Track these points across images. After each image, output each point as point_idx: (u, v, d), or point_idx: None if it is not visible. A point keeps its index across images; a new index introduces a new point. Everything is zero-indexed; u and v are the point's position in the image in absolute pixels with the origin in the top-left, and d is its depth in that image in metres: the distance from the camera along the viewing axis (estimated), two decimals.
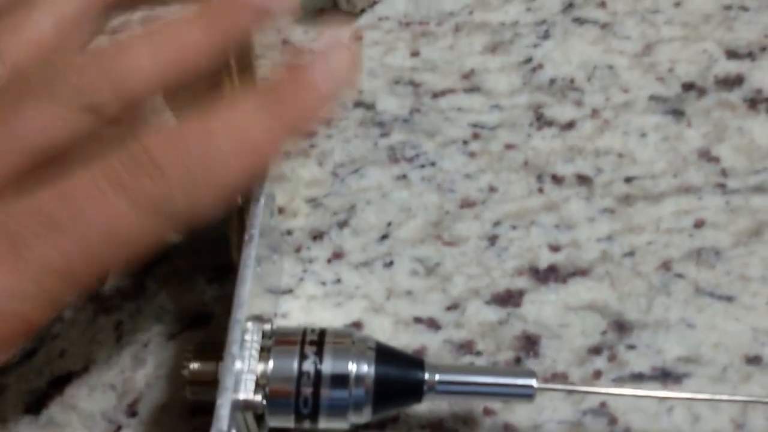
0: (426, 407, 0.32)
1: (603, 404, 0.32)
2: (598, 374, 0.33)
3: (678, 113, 0.42)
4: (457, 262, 0.37)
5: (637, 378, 0.33)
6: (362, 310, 0.35)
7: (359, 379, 0.28)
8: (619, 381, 0.33)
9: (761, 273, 0.36)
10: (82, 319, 0.36)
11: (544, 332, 0.34)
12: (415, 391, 0.29)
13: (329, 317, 0.35)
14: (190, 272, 0.37)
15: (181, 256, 0.37)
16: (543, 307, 0.35)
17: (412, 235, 0.38)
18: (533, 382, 0.29)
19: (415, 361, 0.30)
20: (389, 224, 0.38)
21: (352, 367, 0.28)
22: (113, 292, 0.36)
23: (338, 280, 0.36)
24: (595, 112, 0.42)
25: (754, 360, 0.33)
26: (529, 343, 0.34)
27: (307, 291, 0.36)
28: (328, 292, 0.36)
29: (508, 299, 0.35)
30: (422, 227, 0.38)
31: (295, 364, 0.28)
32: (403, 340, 0.34)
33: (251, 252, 0.28)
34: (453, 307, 0.35)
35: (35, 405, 0.33)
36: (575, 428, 0.32)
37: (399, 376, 0.29)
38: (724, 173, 0.39)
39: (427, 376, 0.29)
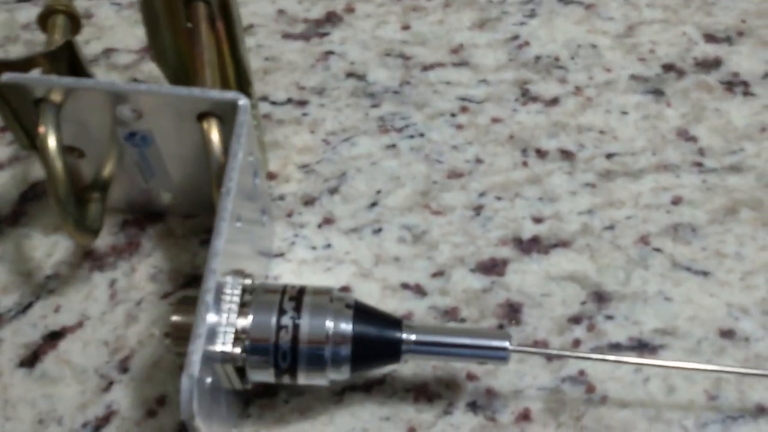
0: (410, 371, 0.30)
1: (581, 372, 0.30)
2: (577, 343, 0.31)
3: (658, 93, 0.39)
4: (444, 230, 0.34)
5: (615, 348, 0.31)
6: (351, 275, 0.33)
7: (337, 335, 0.26)
8: (597, 350, 0.31)
9: (735, 250, 0.33)
10: (77, 276, 0.33)
11: (527, 301, 0.32)
12: (393, 350, 0.27)
13: (319, 281, 0.33)
14: (185, 234, 0.34)
15: (175, 217, 0.34)
16: (526, 276, 0.33)
17: (400, 203, 0.35)
18: (507, 344, 0.27)
19: (392, 321, 0.27)
20: (378, 192, 0.35)
21: (330, 324, 0.26)
22: (108, 250, 0.34)
23: (328, 245, 0.34)
24: (578, 90, 0.39)
25: (727, 334, 0.31)
26: (512, 311, 0.32)
27: (298, 255, 0.33)
28: (318, 256, 0.33)
29: (492, 268, 0.33)
30: (410, 196, 0.35)
31: (274, 319, 0.25)
32: (390, 305, 0.32)
33: (227, 205, 0.25)
34: (439, 274, 0.33)
35: (30, 359, 0.31)
36: (554, 394, 0.29)
37: (376, 335, 0.27)
38: (701, 152, 0.37)
39: (404, 335, 0.27)
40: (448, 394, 0.29)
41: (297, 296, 0.26)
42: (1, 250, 0.34)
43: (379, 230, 0.34)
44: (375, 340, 0.27)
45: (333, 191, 0.35)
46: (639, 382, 0.30)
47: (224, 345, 0.25)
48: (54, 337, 0.31)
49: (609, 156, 0.37)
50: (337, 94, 0.39)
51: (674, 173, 0.36)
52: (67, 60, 0.31)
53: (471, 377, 0.30)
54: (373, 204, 0.35)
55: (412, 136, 0.37)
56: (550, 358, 0.30)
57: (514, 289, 0.32)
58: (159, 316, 0.32)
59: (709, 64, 0.40)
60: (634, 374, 0.30)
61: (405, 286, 0.32)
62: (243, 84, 0.33)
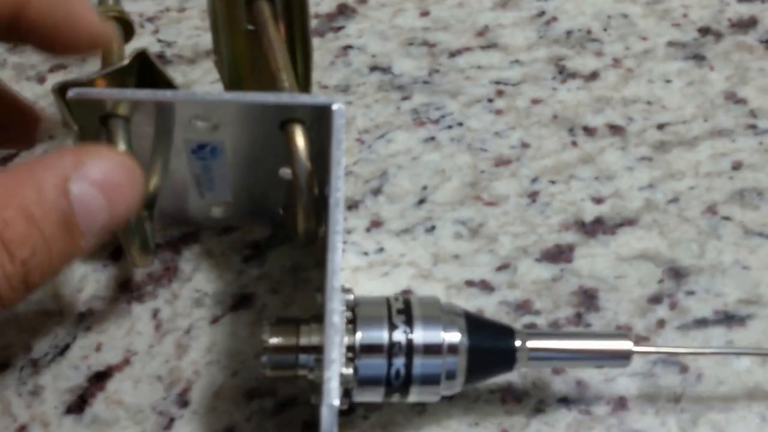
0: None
1: (671, 352, 0.31)
2: (661, 323, 0.32)
3: (699, 58, 0.40)
4: (501, 221, 0.35)
5: (701, 323, 0.31)
6: (410, 278, 0.33)
7: (452, 348, 0.26)
8: (683, 328, 0.31)
9: None
10: (115, 310, 0.33)
11: (601, 285, 0.33)
12: (508, 359, 0.27)
13: (377, 287, 0.33)
14: (224, 252, 0.34)
15: (210, 235, 0.35)
16: (595, 260, 0.33)
17: (449, 197, 0.36)
18: (630, 346, 0.27)
19: (505, 329, 0.28)
20: (424, 188, 0.36)
21: (445, 336, 0.26)
22: (144, 278, 0.33)
23: (381, 249, 0.34)
24: (616, 62, 0.40)
25: None
26: (587, 298, 0.32)
27: (351, 262, 0.34)
28: (372, 262, 0.34)
29: (559, 255, 0.34)
30: (459, 189, 0.36)
31: (386, 334, 0.26)
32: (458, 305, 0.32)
33: (338, 217, 0.25)
34: (503, 267, 0.33)
35: (77, 404, 0.30)
36: (647, 379, 0.30)
37: (491, 345, 0.27)
38: (752, 114, 0.38)
39: (518, 343, 0.27)
40: (536, 392, 0.30)
41: (404, 308, 0.27)
42: None
43: (432, 228, 0.35)
44: (490, 351, 0.27)
45: (376, 192, 0.36)
46: (731, 356, 0.31)
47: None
48: (100, 377, 0.31)
49: (660, 127, 0.38)
50: (364, 90, 0.39)
51: (729, 138, 0.37)
52: (137, 72, 0.31)
53: (557, 371, 0.30)
54: (421, 201, 0.35)
55: (450, 127, 0.38)
56: (640, 339, 0.31)
57: (586, 274, 0.33)
58: (213, 343, 0.32)
59: (745, 24, 0.42)
60: (725, 347, 0.31)
61: (470, 283, 0.33)
62: (307, 87, 0.33)
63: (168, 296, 0.33)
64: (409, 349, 0.26)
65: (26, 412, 0.30)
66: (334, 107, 0.27)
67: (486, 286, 0.33)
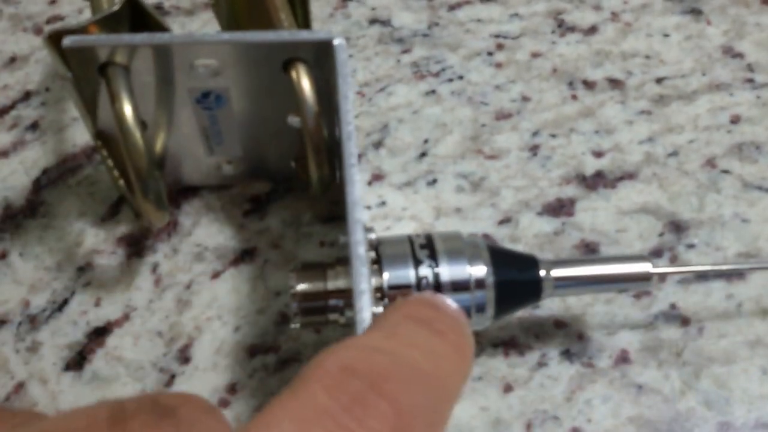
0: (500, 325, 0.28)
1: (673, 306, 0.29)
2: (662, 276, 0.30)
3: (696, 12, 0.38)
4: (502, 174, 0.32)
5: (702, 277, 0.29)
6: (413, 231, 0.31)
7: (479, 281, 0.24)
8: (684, 282, 0.29)
9: None
10: (114, 264, 0.30)
11: (602, 239, 0.30)
12: (535, 289, 0.25)
13: None
14: (224, 206, 0.31)
15: (210, 190, 0.32)
16: (596, 213, 0.31)
17: (451, 150, 0.33)
18: (650, 266, 0.25)
19: (529, 259, 0.26)
20: (426, 141, 0.33)
21: (470, 269, 0.24)
22: (143, 233, 0.31)
23: (383, 203, 0.31)
24: (615, 16, 0.37)
25: None
26: (589, 251, 0.30)
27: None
28: (375, 215, 0.31)
29: (560, 209, 0.31)
30: (460, 142, 0.33)
31: (412, 271, 0.23)
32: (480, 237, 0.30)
33: (352, 149, 0.23)
34: (506, 221, 0.31)
35: (76, 360, 0.28)
36: (649, 332, 0.28)
37: (517, 276, 0.25)
38: (750, 68, 0.36)
39: (543, 272, 0.25)
40: (539, 345, 0.28)
41: (427, 243, 0.24)
42: (22, 244, 0.31)
43: (434, 181, 0.32)
44: (517, 282, 0.25)
45: (377, 145, 0.33)
46: (732, 309, 0.29)
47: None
48: (100, 333, 0.29)
49: (659, 80, 0.35)
50: (364, 43, 0.36)
51: (727, 92, 0.35)
52: (130, 18, 0.28)
53: (559, 324, 0.28)
54: (423, 154, 0.33)
55: (450, 80, 0.35)
56: (639, 294, 0.29)
57: (587, 228, 0.31)
58: (213, 298, 0.29)
59: None
60: (727, 301, 0.29)
61: (473, 236, 0.31)
62: (308, 27, 0.30)
63: (167, 251, 0.30)
64: (437, 283, 0.24)
65: (24, 369, 0.28)
66: (336, 42, 0.25)
67: (489, 239, 0.31)
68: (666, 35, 0.37)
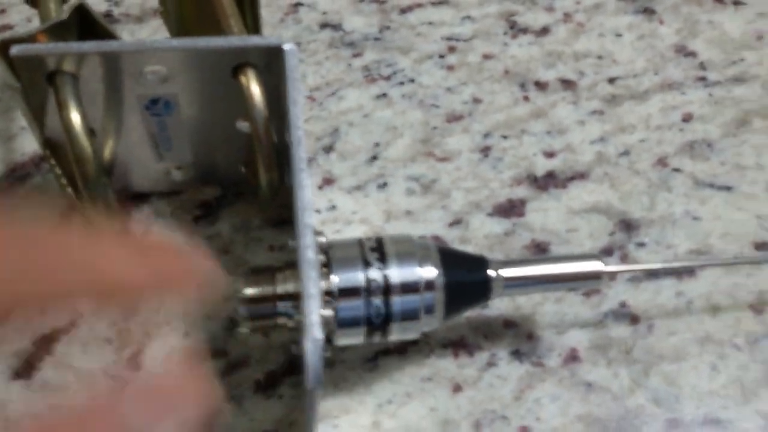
0: (448, 326, 0.29)
1: (623, 304, 0.29)
2: (613, 275, 0.30)
3: (649, 11, 0.39)
4: (453, 177, 0.33)
5: (652, 275, 0.30)
6: (363, 235, 0.31)
7: (429, 283, 0.25)
8: (635, 279, 0.30)
9: (755, 161, 0.33)
10: None
11: (553, 239, 0.31)
12: (484, 289, 0.26)
13: None
14: (174, 212, 0.32)
15: (160, 196, 0.32)
16: (547, 214, 0.32)
17: (402, 154, 0.34)
18: (600, 265, 0.26)
19: (478, 260, 0.26)
20: (377, 145, 0.34)
21: (420, 271, 0.25)
22: None
23: (333, 207, 0.32)
24: (567, 16, 0.38)
25: (763, 246, 0.31)
26: (540, 251, 0.31)
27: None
28: (324, 219, 0.32)
29: (511, 209, 0.32)
30: (411, 145, 0.34)
31: (361, 274, 0.24)
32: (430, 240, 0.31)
33: (302, 154, 0.24)
34: (456, 222, 0.32)
35: (25, 368, 0.28)
36: (598, 330, 0.29)
37: (467, 276, 0.25)
38: (702, 66, 0.37)
39: (493, 273, 0.26)
40: (488, 345, 0.28)
41: (377, 246, 0.25)
42: None
43: (385, 185, 0.33)
44: (466, 283, 0.26)
45: (328, 149, 0.34)
46: (682, 306, 0.29)
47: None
48: (47, 340, 0.29)
49: (611, 80, 0.36)
50: (315, 47, 0.37)
51: (680, 90, 0.36)
52: (78, 26, 0.28)
53: (509, 324, 0.29)
54: (373, 158, 0.33)
55: (402, 83, 0.36)
56: (589, 293, 0.30)
57: (538, 228, 0.31)
58: (162, 304, 0.29)
59: None
60: (677, 299, 0.29)
61: (422, 239, 0.31)
62: (258, 32, 0.31)
63: None
64: (387, 287, 0.24)
65: None
66: (286, 47, 0.25)
67: (438, 242, 0.31)
68: (618, 35, 0.38)
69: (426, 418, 0.27)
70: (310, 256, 0.22)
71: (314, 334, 0.21)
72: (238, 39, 0.26)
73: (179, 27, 0.32)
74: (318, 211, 0.32)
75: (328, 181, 0.33)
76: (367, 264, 0.24)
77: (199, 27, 0.31)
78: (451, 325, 0.29)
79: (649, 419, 0.27)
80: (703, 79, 0.36)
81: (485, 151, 0.34)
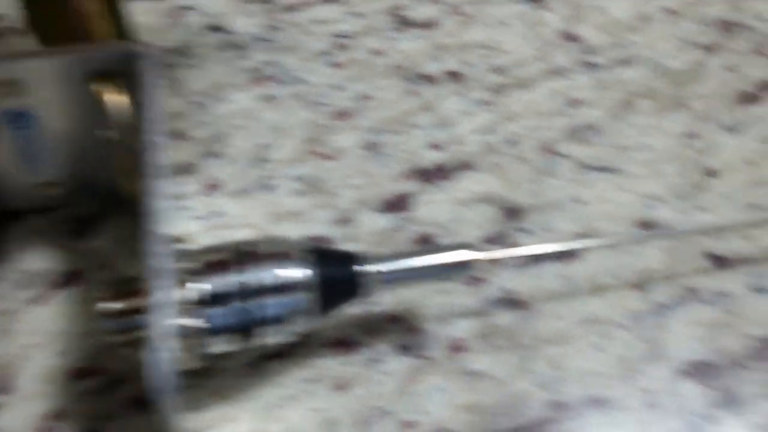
0: (326, 325, 0.29)
1: (508, 291, 0.29)
2: (497, 262, 0.30)
3: (535, 0, 0.39)
4: (340, 174, 0.33)
5: (538, 260, 0.30)
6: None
7: (302, 283, 0.25)
8: (521, 266, 0.30)
9: (639, 141, 0.34)
10: None
11: (440, 231, 0.31)
12: (360, 285, 0.26)
13: None
14: (51, 228, 0.31)
15: (35, 213, 0.32)
16: (434, 206, 0.32)
17: (288, 154, 0.33)
18: (474, 253, 0.26)
19: (352, 256, 0.26)
20: (263, 147, 0.34)
21: (293, 271, 0.24)
22: None
23: (217, 212, 0.32)
24: (454, 8, 0.39)
25: (647, 225, 0.31)
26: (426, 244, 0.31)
27: (187, 228, 0.31)
28: (208, 226, 0.31)
29: (398, 204, 0.32)
30: (298, 145, 0.34)
31: (233, 278, 0.24)
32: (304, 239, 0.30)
33: (155, 160, 0.23)
34: (342, 221, 0.31)
35: None
36: (484, 319, 0.29)
37: (342, 274, 0.25)
38: (589, 51, 0.37)
39: (368, 268, 0.26)
40: (372, 341, 0.28)
41: (248, 250, 0.25)
42: None
43: (271, 187, 0.32)
44: (341, 280, 0.26)
45: (213, 154, 0.33)
46: (567, 289, 0.30)
47: (181, 317, 0.23)
48: None
49: (498, 70, 0.36)
50: (201, 51, 0.37)
51: (565, 76, 0.36)
52: None
53: (393, 319, 0.29)
54: (260, 160, 0.33)
55: (289, 83, 0.36)
56: (474, 281, 0.30)
57: (425, 221, 0.31)
58: (38, 324, 0.29)
59: None
60: (562, 282, 0.30)
61: (309, 239, 0.31)
62: (126, 38, 0.30)
63: None
64: (259, 290, 0.24)
65: None
66: (140, 52, 0.25)
67: (326, 241, 0.31)
68: (506, 24, 0.38)
69: (308, 419, 0.26)
70: (156, 265, 0.22)
71: (155, 345, 0.20)
72: (93, 47, 0.26)
73: (43, 37, 0.31)
74: (200, 218, 0.31)
75: (212, 187, 0.32)
76: (238, 268, 0.24)
77: (61, 36, 0.30)
78: (334, 323, 0.29)
79: (534, 403, 0.27)
80: (589, 63, 0.36)
81: (373, 147, 0.34)
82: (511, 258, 0.30)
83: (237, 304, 0.24)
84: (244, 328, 0.24)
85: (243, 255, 0.24)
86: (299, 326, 0.25)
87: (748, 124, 0.34)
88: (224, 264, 0.24)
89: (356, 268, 0.26)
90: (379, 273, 0.25)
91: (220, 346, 0.25)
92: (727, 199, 0.32)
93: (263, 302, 0.24)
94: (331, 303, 0.26)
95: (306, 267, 0.25)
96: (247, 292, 0.24)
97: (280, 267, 0.24)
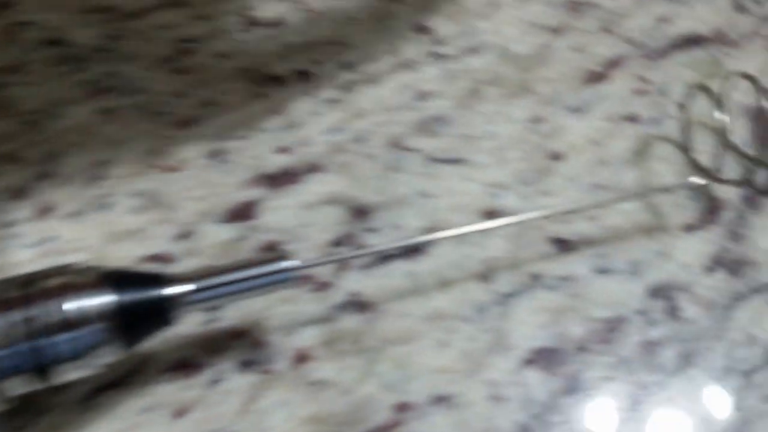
0: (168, 348, 0.28)
1: (354, 293, 0.29)
2: (344, 265, 0.30)
3: None
4: (182, 186, 0.32)
5: (385, 259, 0.30)
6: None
7: (98, 311, 0.23)
8: (367, 267, 0.30)
9: (485, 129, 0.34)
10: None
11: (286, 237, 0.30)
12: (170, 307, 0.24)
13: None
14: None
15: None
16: (281, 212, 0.31)
17: (127, 170, 0.32)
18: (291, 263, 0.25)
19: (160, 277, 0.25)
20: (100, 164, 0.32)
21: (86, 301, 0.23)
22: None
23: (50, 238, 0.30)
24: (301, 3, 0.38)
25: (490, 214, 0.31)
26: (272, 252, 0.30)
27: (12, 258, 0.30)
28: (40, 253, 0.30)
29: (243, 213, 0.31)
30: (138, 159, 0.32)
31: (17, 315, 0.22)
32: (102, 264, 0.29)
33: None
34: (184, 235, 0.30)
35: None
36: (329, 325, 0.28)
37: (145, 297, 0.24)
38: (437, 42, 0.37)
39: (179, 288, 0.24)
40: (214, 361, 0.27)
41: (31, 281, 0.23)
42: None
43: (108, 205, 0.31)
44: (146, 304, 0.24)
45: (46, 176, 0.32)
46: (413, 286, 0.29)
47: None
48: None
49: (347, 66, 0.36)
50: (37, 68, 0.35)
51: (413, 69, 0.36)
52: None
53: (235, 335, 0.28)
54: (96, 178, 0.32)
55: (130, 94, 0.34)
56: (320, 287, 0.29)
57: (271, 228, 0.31)
58: None
59: None
60: (407, 279, 0.29)
61: (149, 258, 0.30)
62: None
63: None
64: (48, 326, 0.22)
65: None
66: None
67: (166, 259, 0.30)
68: (352, 18, 0.37)
69: None
70: None
71: None
72: None
73: None
74: (31, 246, 0.30)
75: (46, 211, 0.31)
76: (22, 304, 0.23)
77: None
78: (174, 344, 0.28)
79: (378, 407, 0.27)
80: (437, 54, 0.36)
81: (217, 154, 0.33)
82: (352, 259, 0.29)
83: (23, 345, 0.22)
84: (37, 368, 0.23)
85: (30, 289, 0.23)
86: (105, 359, 0.24)
87: (593, 104, 0.35)
88: (7, 302, 0.23)
89: (162, 291, 0.24)
90: (190, 293, 0.24)
91: (16, 388, 0.23)
92: (571, 181, 0.32)
93: (53, 340, 0.22)
94: (137, 331, 0.24)
95: (103, 295, 0.23)
96: (34, 330, 0.22)
97: (72, 299, 0.23)
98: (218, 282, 0.25)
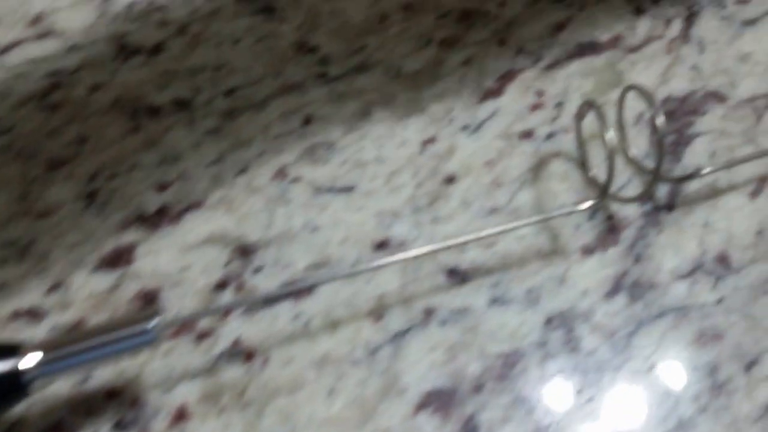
0: (38, 411, 0.26)
1: (237, 341, 0.27)
2: (228, 311, 0.28)
3: (268, 10, 0.37)
4: (54, 233, 0.30)
5: (271, 301, 0.29)
6: None
7: None
8: (251, 311, 0.28)
9: (375, 154, 0.32)
10: None
11: (164, 282, 0.29)
12: (15, 382, 0.23)
13: None
14: None
15: None
16: (158, 256, 0.29)
17: None
18: (154, 322, 0.24)
19: (4, 347, 0.23)
20: None
21: None
22: None
23: None
24: (182, 29, 0.36)
25: (382, 245, 0.30)
26: (148, 301, 0.28)
27: None
28: None
29: (118, 259, 0.29)
30: (6, 206, 0.30)
31: None
32: None
33: None
34: (55, 287, 0.29)
35: None
36: (210, 377, 0.27)
37: None
38: (324, 61, 0.35)
39: (26, 359, 0.23)
40: (87, 424, 0.26)
41: None
42: None
43: None
44: None
45: None
46: (300, 329, 0.28)
47: None
48: None
49: (229, 93, 0.34)
50: None
51: (299, 91, 0.34)
52: None
53: (111, 394, 0.26)
54: None
55: None
56: (201, 337, 0.28)
57: (148, 274, 0.29)
58: None
59: None
60: (294, 322, 0.28)
61: (16, 315, 0.28)
62: None
63: None
64: None
65: None
66: None
67: (34, 315, 0.28)
68: (237, 41, 0.35)
69: None
70: None
71: None
72: None
73: None
74: None
75: None
76: None
77: None
78: (44, 409, 0.26)
79: None
80: (324, 75, 0.35)
81: (91, 196, 0.31)
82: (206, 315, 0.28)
83: None
84: None
85: None
86: None
87: (487, 121, 0.33)
88: None
89: (10, 363, 0.23)
90: (41, 364, 0.23)
91: None
92: (466, 205, 0.31)
93: None
94: None
95: None
96: None
97: None
98: (72, 351, 0.23)
